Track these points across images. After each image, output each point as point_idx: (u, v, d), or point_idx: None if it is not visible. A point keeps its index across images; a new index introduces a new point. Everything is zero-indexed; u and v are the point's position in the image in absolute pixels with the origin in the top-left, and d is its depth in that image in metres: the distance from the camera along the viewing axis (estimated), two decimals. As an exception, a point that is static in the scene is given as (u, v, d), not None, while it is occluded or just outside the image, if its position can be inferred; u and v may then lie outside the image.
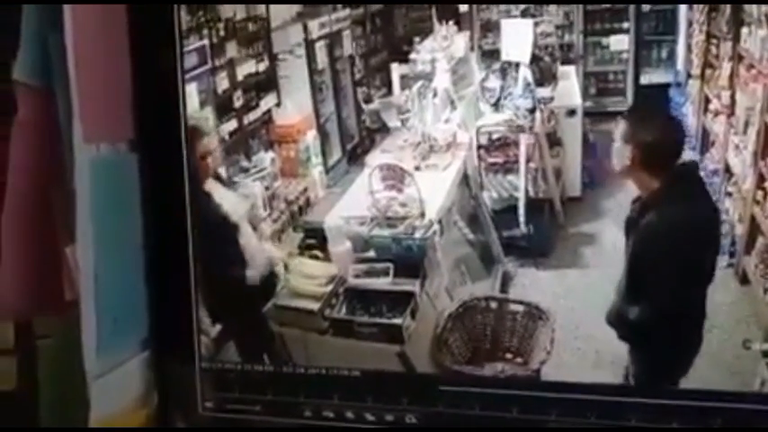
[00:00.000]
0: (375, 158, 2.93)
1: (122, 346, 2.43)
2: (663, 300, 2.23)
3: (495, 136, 3.06)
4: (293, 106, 3.01)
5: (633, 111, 2.75)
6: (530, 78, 3.10)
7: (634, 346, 2.30)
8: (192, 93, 2.51)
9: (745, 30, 2.45)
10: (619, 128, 2.27)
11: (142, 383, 2.45)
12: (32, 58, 2.34)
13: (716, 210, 2.38)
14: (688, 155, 2.43)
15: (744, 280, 2.47)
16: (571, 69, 3.24)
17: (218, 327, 2.50)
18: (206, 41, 2.55)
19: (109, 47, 2.32)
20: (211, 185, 2.52)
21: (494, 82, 3.19)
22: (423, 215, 2.69)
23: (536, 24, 3.11)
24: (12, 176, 2.45)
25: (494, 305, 2.58)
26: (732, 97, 2.58)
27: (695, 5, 2.80)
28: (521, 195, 3.00)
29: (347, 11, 3.21)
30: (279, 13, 2.92)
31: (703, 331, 2.23)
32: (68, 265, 2.43)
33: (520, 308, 2.53)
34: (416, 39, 3.19)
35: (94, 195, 2.31)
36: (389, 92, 3.06)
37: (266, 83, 2.91)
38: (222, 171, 2.60)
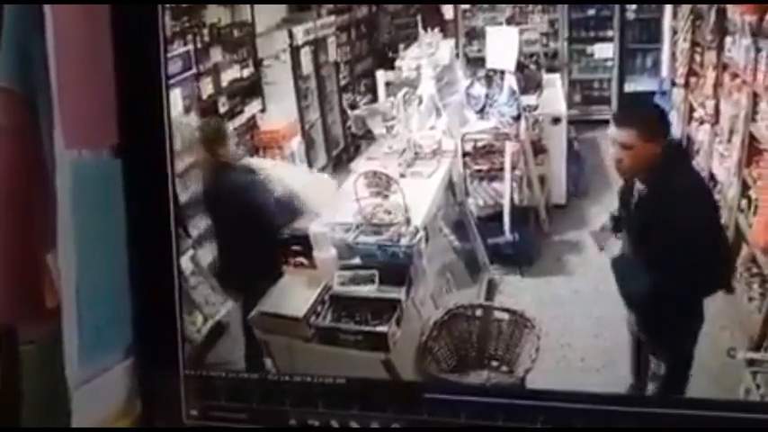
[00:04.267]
0: (360, 165, 2.93)
1: (105, 354, 2.41)
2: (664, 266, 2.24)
3: (480, 143, 3.07)
4: (278, 112, 3.00)
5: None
6: (515, 86, 3.11)
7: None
8: (176, 98, 2.50)
9: (729, 38, 2.46)
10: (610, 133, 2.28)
11: (125, 391, 2.43)
12: (13, 63, 2.32)
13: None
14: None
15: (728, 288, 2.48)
16: (556, 77, 3.25)
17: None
18: (190, 47, 2.54)
19: (92, 52, 2.30)
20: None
21: (479, 89, 3.19)
22: (408, 222, 2.68)
23: (521, 32, 3.12)
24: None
25: (479, 313, 2.57)
26: (716, 106, 2.59)
27: (679, 13, 2.82)
28: (506, 203, 3.00)
29: (332, 17, 3.21)
30: (264, 19, 2.92)
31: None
32: (49, 272, 2.41)
33: (505, 316, 2.53)
34: (401, 46, 3.20)
35: (76, 201, 2.29)
36: (375, 98, 3.07)
37: (251, 88, 2.90)
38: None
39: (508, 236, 2.98)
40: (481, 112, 3.17)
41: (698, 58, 2.74)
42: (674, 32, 2.87)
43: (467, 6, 3.29)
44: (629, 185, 2.31)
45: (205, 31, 2.63)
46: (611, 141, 2.25)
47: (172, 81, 2.42)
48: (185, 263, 2.52)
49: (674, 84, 2.90)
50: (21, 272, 2.45)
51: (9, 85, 2.32)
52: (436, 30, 3.20)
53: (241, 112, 2.87)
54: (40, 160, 2.34)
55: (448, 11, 3.26)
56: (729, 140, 2.49)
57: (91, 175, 2.33)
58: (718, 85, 2.59)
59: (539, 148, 3.11)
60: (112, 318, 2.38)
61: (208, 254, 2.68)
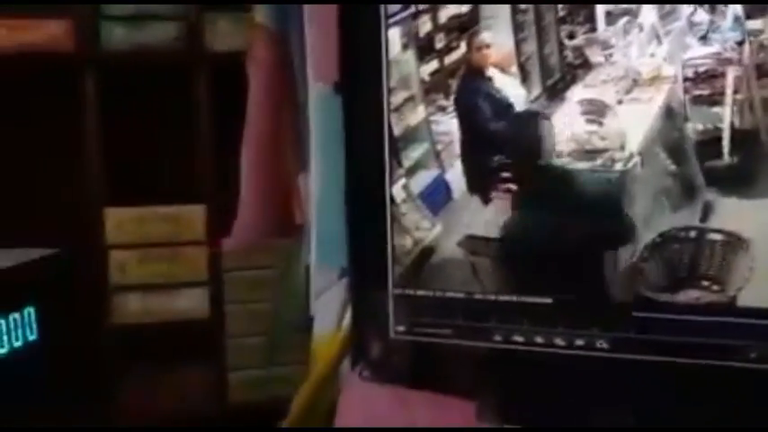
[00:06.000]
0: (576, 93, 2.94)
1: (328, 273, 2.63)
2: None
3: (701, 69, 2.99)
4: (495, 44, 3.05)
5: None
6: (740, 12, 3.00)
7: None
8: (394, 37, 2.64)
9: None
10: None
11: (342, 308, 2.64)
12: (272, 6, 2.66)
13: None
14: None
15: None
16: (784, 0, 3.10)
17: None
18: (412, -14, 2.66)
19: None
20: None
21: (702, 16, 3.10)
22: (623, 148, 2.69)
23: (747, -44, 3.01)
24: (251, 111, 2.75)
25: (693, 234, 2.55)
26: None
27: None
28: (725, 126, 2.92)
29: (549, -49, 3.21)
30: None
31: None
32: (299, 192, 2.69)
33: (719, 237, 2.49)
34: (622, -25, 3.16)
35: (319, 128, 2.56)
36: (593, 28, 3.06)
37: (468, 24, 2.96)
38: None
39: (726, 159, 2.89)
40: (704, 38, 3.09)
41: None
42: None
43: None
44: None
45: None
46: None
47: (390, 21, 2.56)
48: (397, 191, 2.64)
49: None
50: (278, 191, 2.77)
51: (268, 24, 2.67)
52: (660, -44, 3.14)
53: (458, 47, 2.94)
54: (293, 90, 2.64)
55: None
56: None
57: (326, 106, 2.57)
58: None
59: (763, 72, 2.99)
60: (334, 239, 2.60)
61: (418, 183, 2.78)
